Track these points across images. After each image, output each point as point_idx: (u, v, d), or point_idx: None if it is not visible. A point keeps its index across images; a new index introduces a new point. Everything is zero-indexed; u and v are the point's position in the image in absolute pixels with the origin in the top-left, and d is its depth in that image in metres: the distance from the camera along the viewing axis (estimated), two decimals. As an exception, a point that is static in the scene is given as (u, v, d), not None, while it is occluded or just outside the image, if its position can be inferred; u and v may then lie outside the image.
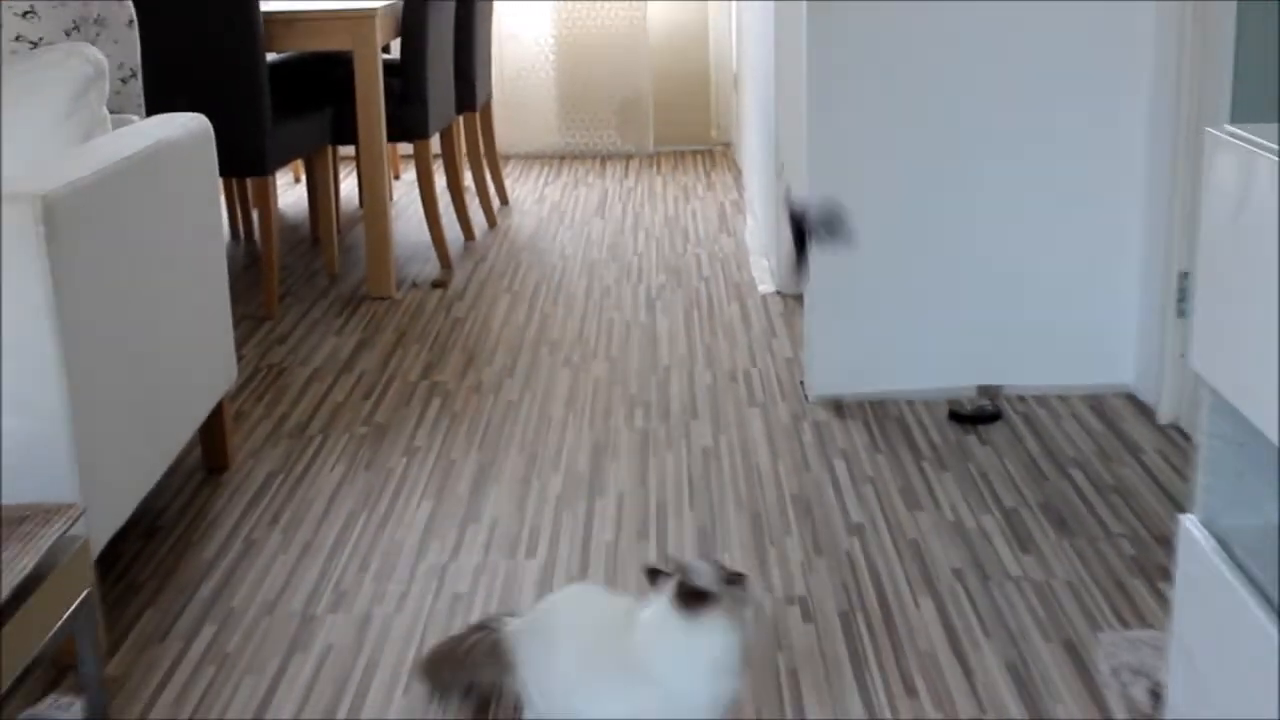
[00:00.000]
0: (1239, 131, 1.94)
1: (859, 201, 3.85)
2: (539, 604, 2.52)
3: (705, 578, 2.23)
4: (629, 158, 7.92)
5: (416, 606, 2.91)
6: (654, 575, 2.31)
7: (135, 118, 3.46)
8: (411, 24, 5.28)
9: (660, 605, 2.24)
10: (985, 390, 3.97)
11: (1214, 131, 2.00)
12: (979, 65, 3.79)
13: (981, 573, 2.98)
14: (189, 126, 3.30)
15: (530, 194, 7.05)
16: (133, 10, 3.85)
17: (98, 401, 2.67)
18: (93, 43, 3.59)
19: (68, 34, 3.63)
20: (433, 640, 2.75)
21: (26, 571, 1.84)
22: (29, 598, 1.83)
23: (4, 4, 3.55)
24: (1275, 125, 1.93)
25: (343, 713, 2.53)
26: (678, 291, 5.13)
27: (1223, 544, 2.06)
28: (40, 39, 3.57)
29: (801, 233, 2.44)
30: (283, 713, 2.54)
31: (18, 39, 3.56)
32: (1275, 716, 1.82)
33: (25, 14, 3.56)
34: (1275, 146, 1.82)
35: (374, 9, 4.96)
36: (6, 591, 1.78)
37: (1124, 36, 3.75)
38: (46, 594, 1.88)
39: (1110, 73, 3.78)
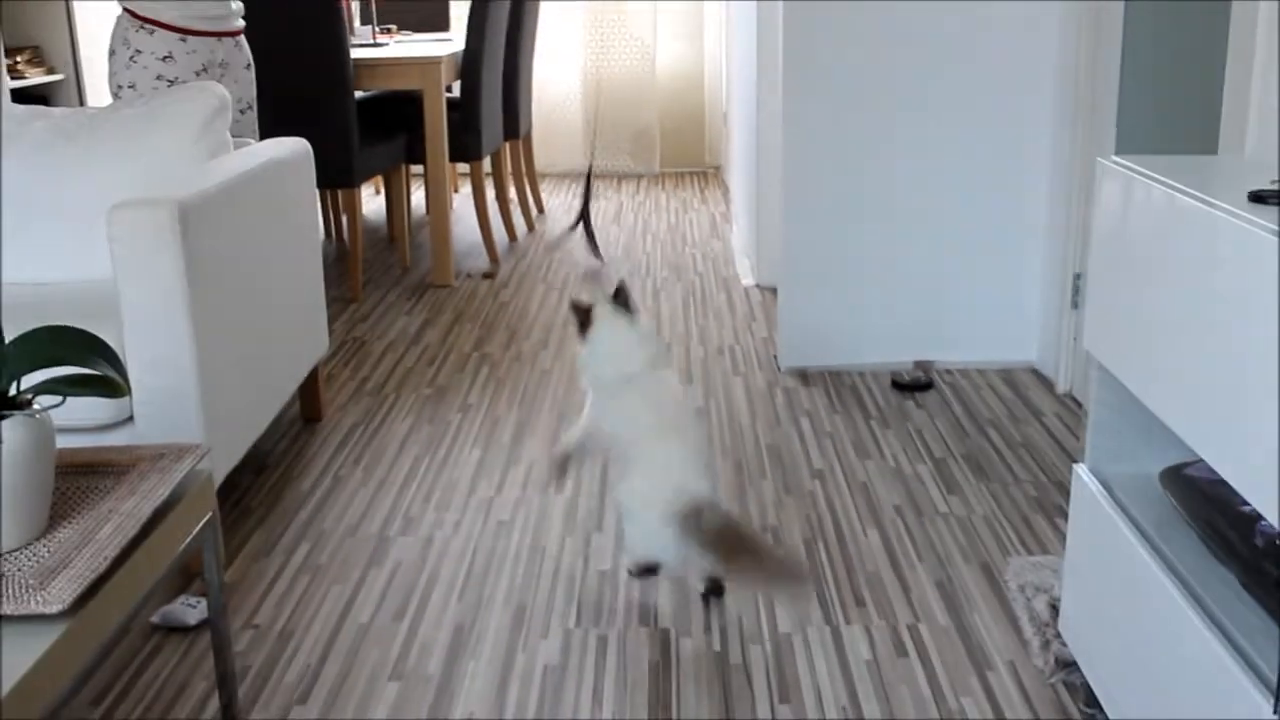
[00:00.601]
0: (1122, 161, 1.95)
1: (826, 214, 3.86)
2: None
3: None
4: (639, 177, 7.90)
5: (468, 531, 2.91)
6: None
7: (251, 141, 3.46)
8: (469, 68, 5.27)
9: None
10: (920, 364, 3.97)
11: (1103, 160, 2.01)
12: (917, 108, 3.78)
13: (917, 509, 2.98)
14: (293, 148, 3.30)
15: (561, 205, 7.03)
16: (250, 56, 3.85)
17: (219, 364, 2.68)
18: (218, 81, 3.60)
19: (198, 74, 3.63)
20: (482, 558, 2.76)
21: (163, 498, 1.85)
22: (165, 518, 1.84)
23: (150, 51, 3.56)
24: (1150, 156, 1.94)
25: (410, 615, 2.54)
26: (677, 283, 5.12)
27: (1106, 488, 2.07)
28: (176, 78, 3.58)
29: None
30: (362, 614, 2.55)
31: (159, 79, 3.56)
32: (1145, 618, 1.83)
33: (164, 58, 3.57)
34: (1149, 173, 1.83)
35: (440, 56, 4.95)
36: (148, 513, 1.79)
37: (1029, 82, 3.74)
38: (178, 516, 1.89)
39: (1018, 111, 3.78)
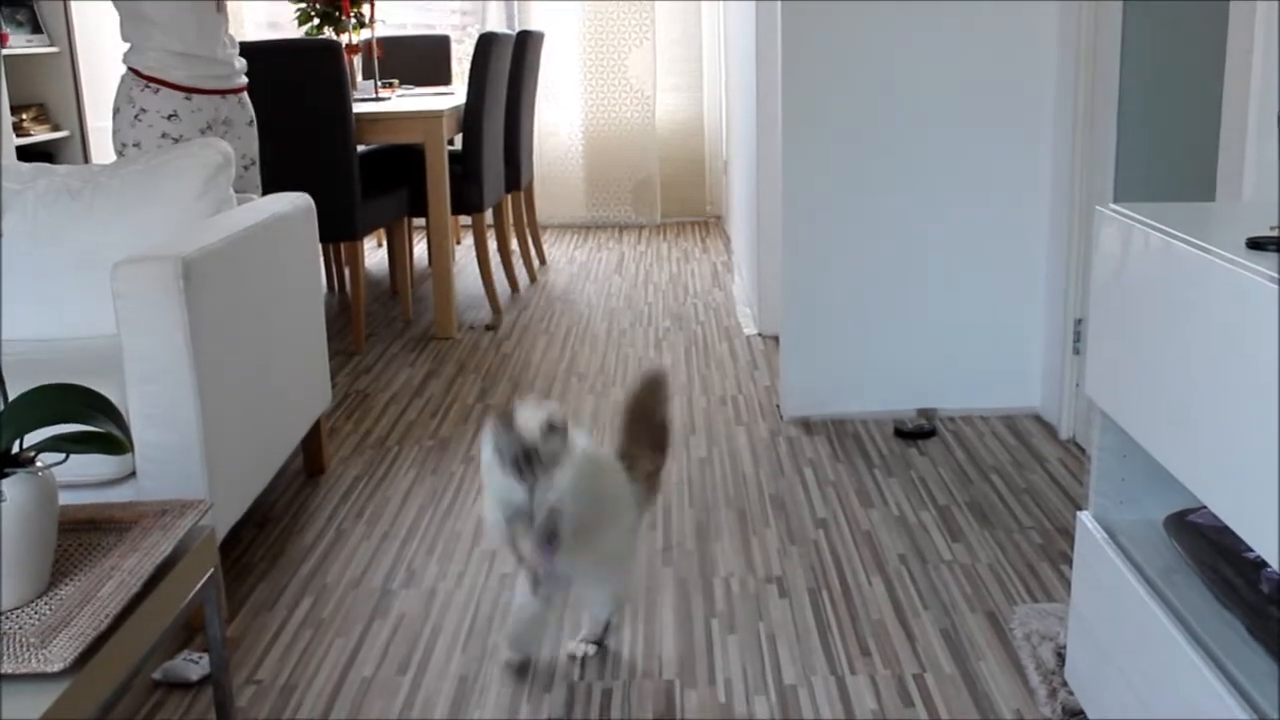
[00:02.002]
0: (1121, 209, 1.95)
1: (827, 262, 3.87)
2: None
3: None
4: (641, 227, 7.92)
5: (472, 583, 2.90)
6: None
7: (254, 196, 3.48)
8: (471, 122, 5.30)
9: None
10: (923, 412, 3.96)
11: (1102, 209, 2.01)
12: (917, 156, 3.80)
13: (921, 557, 2.97)
14: (296, 203, 3.31)
15: (563, 256, 7.05)
16: (252, 112, 3.87)
17: (223, 419, 2.68)
18: (222, 138, 3.62)
19: (202, 132, 3.66)
20: (485, 609, 2.75)
21: (166, 553, 1.84)
22: (168, 574, 1.84)
23: (155, 110, 3.58)
24: (1149, 204, 1.94)
25: (414, 668, 2.53)
26: (679, 333, 5.13)
27: (1110, 534, 2.06)
28: (181, 136, 3.60)
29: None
30: (365, 667, 2.54)
31: (164, 137, 3.58)
32: (1151, 664, 1.82)
33: (169, 116, 3.59)
34: (1148, 221, 1.83)
35: (441, 110, 4.98)
36: (150, 570, 1.78)
37: (1029, 129, 3.76)
38: (181, 572, 1.88)
39: (1018, 158, 3.79)
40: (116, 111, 3.64)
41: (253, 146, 3.89)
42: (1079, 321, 3.60)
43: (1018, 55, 3.71)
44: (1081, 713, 2.20)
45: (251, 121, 3.87)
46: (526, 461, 2.18)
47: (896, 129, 3.79)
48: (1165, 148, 3.25)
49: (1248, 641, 1.69)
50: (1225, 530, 1.81)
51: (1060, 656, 2.39)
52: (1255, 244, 1.58)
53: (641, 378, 2.55)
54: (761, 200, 4.90)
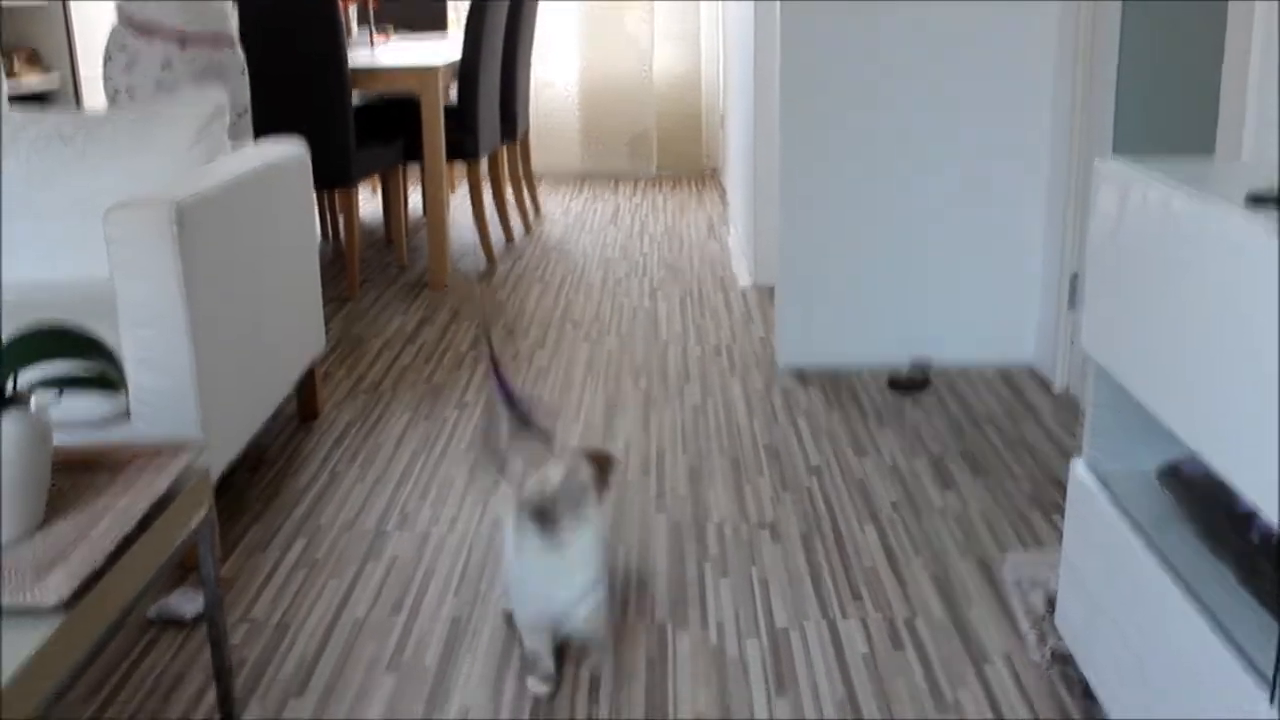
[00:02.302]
0: (1120, 163, 1.95)
1: (823, 214, 3.86)
2: None
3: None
4: (637, 179, 7.90)
5: (464, 528, 2.91)
6: None
7: (248, 144, 3.46)
8: (467, 71, 5.27)
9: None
10: (917, 363, 3.96)
11: (1100, 162, 2.00)
12: (914, 107, 3.78)
13: (913, 505, 2.98)
14: (290, 149, 3.30)
15: (558, 206, 7.03)
16: (244, 62, 3.84)
17: (216, 362, 2.68)
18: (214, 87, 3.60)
19: (196, 81, 3.63)
20: (478, 553, 2.76)
21: (160, 493, 1.84)
22: (162, 514, 1.84)
23: (149, 59, 3.55)
24: (1147, 158, 1.93)
25: (406, 609, 2.54)
26: (674, 284, 5.12)
27: (1103, 483, 2.07)
28: (175, 85, 3.57)
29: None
30: (358, 608, 2.55)
31: (158, 86, 3.56)
32: (1142, 613, 1.83)
33: (163, 66, 3.56)
34: (1148, 175, 1.82)
35: (437, 66, 4.95)
36: (144, 508, 1.79)
37: (1027, 83, 3.74)
38: (175, 511, 1.88)
39: (1016, 112, 3.78)
40: (108, 59, 3.61)
41: (244, 96, 3.87)
42: (1075, 276, 3.60)
43: (1018, 8, 3.69)
44: (1070, 658, 2.22)
45: (243, 71, 3.85)
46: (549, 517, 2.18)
47: (894, 83, 3.77)
48: (1165, 101, 3.24)
49: (1237, 591, 1.70)
50: (1217, 481, 1.81)
51: (1050, 603, 2.40)
52: (1255, 199, 1.58)
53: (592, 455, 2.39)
54: (758, 153, 4.88)
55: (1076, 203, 3.56)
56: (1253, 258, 1.47)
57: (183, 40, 3.60)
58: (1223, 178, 1.84)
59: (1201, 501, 1.87)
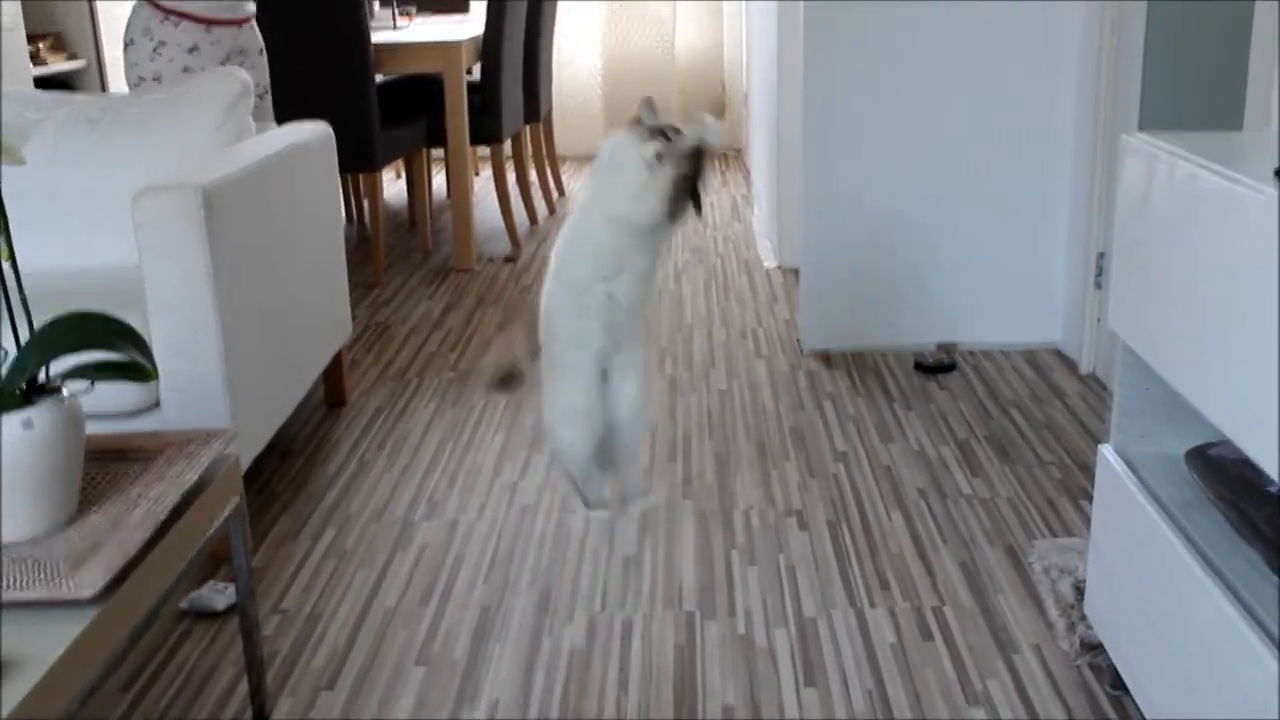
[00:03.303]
0: (1146, 138, 1.94)
1: (847, 195, 3.86)
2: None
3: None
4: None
5: (493, 515, 2.92)
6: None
7: (270, 125, 3.47)
8: (489, 52, 5.28)
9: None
10: (943, 346, 3.96)
11: (1127, 137, 2.00)
12: (939, 87, 3.77)
13: (940, 491, 2.98)
14: (315, 132, 3.31)
15: (582, 187, 7.03)
16: (262, 41, 3.84)
17: (244, 349, 2.69)
18: (239, 68, 3.61)
19: (221, 63, 3.64)
20: (507, 541, 2.78)
21: (191, 483, 1.86)
22: (193, 504, 1.85)
23: (175, 43, 3.56)
24: (1175, 133, 1.93)
25: (436, 598, 2.56)
26: (699, 266, 5.12)
27: (1131, 468, 2.07)
28: (202, 68, 3.58)
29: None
30: (388, 597, 2.57)
31: (185, 70, 3.57)
32: (1171, 599, 1.83)
33: (190, 50, 3.57)
34: (1176, 150, 1.82)
35: (460, 41, 4.95)
36: (176, 498, 1.80)
37: (1052, 59, 3.73)
38: (206, 501, 1.90)
39: (1041, 89, 3.76)
40: (130, 43, 3.61)
41: (265, 76, 3.87)
42: (1101, 255, 3.59)
43: (1044, -15, 3.68)
44: (1100, 647, 2.22)
45: (262, 50, 3.85)
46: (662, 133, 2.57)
47: (919, 61, 3.76)
48: (1193, 75, 3.22)
49: (1267, 576, 1.70)
50: (1247, 464, 1.81)
51: (1079, 591, 2.40)
52: (1284, 175, 1.57)
53: None
54: (782, 133, 4.88)
55: (1102, 180, 3.54)
56: (1283, 242, 1.46)
57: (209, 23, 3.60)
58: (1251, 151, 1.83)
59: (1231, 485, 1.86)
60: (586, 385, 2.69)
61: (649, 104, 2.60)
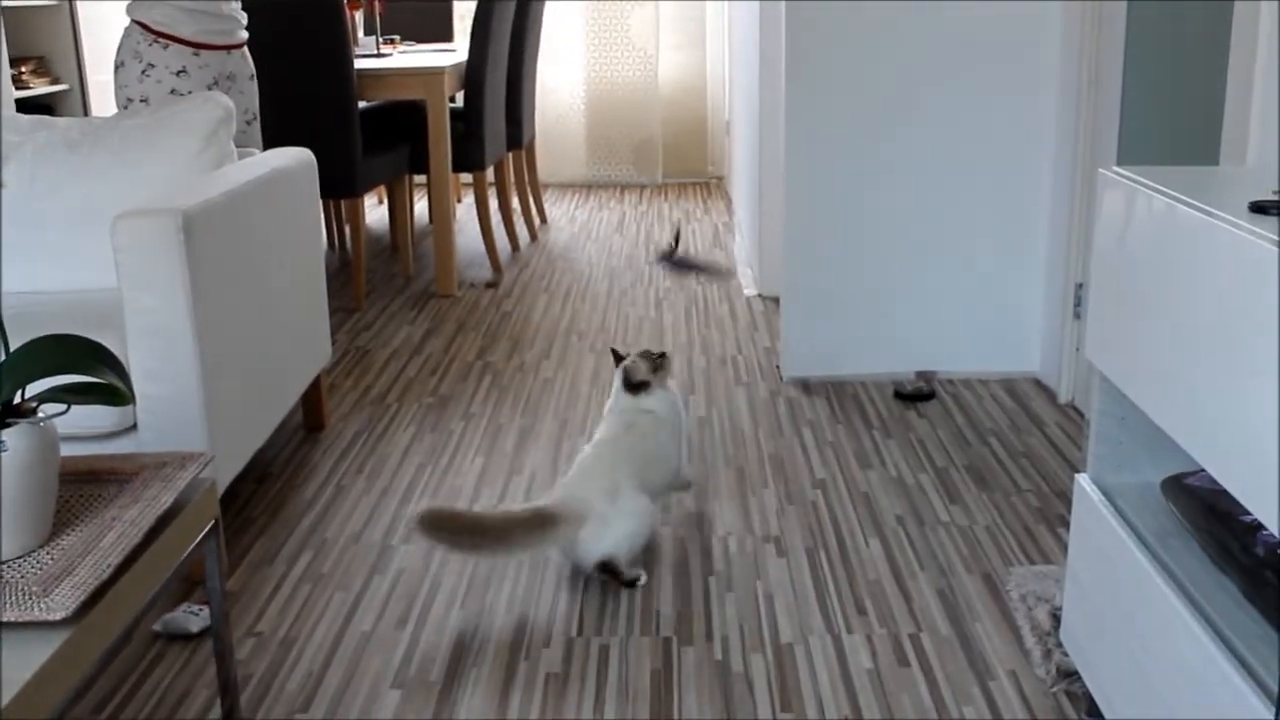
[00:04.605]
0: (1124, 172, 1.95)
1: (828, 223, 3.87)
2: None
3: (640, 371, 2.85)
4: (642, 187, 7.90)
5: (471, 539, 2.91)
6: (615, 357, 2.93)
7: (255, 152, 3.47)
8: (472, 79, 5.29)
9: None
10: (922, 374, 3.97)
11: (1105, 171, 2.01)
12: (920, 118, 3.79)
13: (918, 519, 2.98)
14: (297, 158, 3.31)
15: (564, 215, 7.04)
16: (253, 67, 3.86)
17: (223, 373, 2.68)
18: (226, 93, 3.61)
19: (209, 87, 3.64)
20: (484, 567, 2.76)
21: (166, 505, 1.85)
22: (168, 526, 1.84)
23: (164, 65, 3.56)
24: (1152, 167, 1.94)
25: (412, 623, 2.54)
26: (680, 294, 5.13)
27: (1108, 497, 2.07)
28: (189, 92, 3.58)
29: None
30: (365, 622, 2.55)
31: (173, 93, 3.57)
32: (1147, 627, 1.83)
33: (178, 73, 3.57)
34: (1151, 184, 1.83)
35: (443, 67, 4.96)
36: (151, 521, 1.79)
37: (1032, 91, 3.75)
38: (181, 524, 1.89)
39: (1021, 121, 3.78)
40: (120, 65, 3.61)
41: (254, 101, 3.88)
42: (1079, 286, 3.60)
43: (1023, 16, 3.70)
44: (1076, 674, 2.22)
45: (252, 76, 3.86)
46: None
47: (900, 91, 3.78)
48: (1170, 111, 3.24)
49: (1243, 605, 1.70)
50: (1222, 493, 1.82)
51: (1055, 618, 2.40)
52: (1258, 208, 1.58)
53: None
54: (763, 161, 4.89)
55: (1081, 212, 3.56)
56: (1255, 266, 1.47)
57: (198, 46, 3.61)
58: (1226, 186, 1.85)
59: (1206, 514, 1.87)
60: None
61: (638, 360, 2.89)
